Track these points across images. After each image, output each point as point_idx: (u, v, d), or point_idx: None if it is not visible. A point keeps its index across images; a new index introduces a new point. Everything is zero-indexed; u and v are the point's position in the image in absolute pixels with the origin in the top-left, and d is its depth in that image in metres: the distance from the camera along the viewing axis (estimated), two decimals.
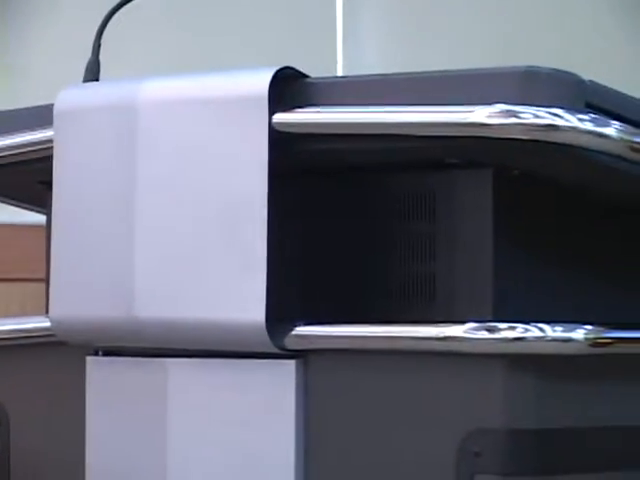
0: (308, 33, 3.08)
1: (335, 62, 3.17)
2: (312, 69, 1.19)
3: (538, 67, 1.06)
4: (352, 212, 1.20)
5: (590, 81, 1.07)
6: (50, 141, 1.29)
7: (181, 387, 1.24)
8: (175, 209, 1.19)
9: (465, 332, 1.05)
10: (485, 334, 1.05)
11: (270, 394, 1.18)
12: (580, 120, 1.01)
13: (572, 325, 1.06)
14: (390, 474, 1.13)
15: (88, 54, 1.48)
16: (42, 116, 1.32)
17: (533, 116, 1.01)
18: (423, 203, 1.14)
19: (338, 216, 1.21)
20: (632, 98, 1.12)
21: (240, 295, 1.14)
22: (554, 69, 1.06)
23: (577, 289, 1.19)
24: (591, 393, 1.13)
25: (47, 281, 1.33)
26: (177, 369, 1.24)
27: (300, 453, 1.17)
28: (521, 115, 1.01)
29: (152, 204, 1.20)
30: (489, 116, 1.02)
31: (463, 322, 1.06)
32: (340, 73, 3.11)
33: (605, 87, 1.09)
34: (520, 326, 1.04)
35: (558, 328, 1.05)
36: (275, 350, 1.15)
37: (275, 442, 1.18)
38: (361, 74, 1.30)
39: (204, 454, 1.23)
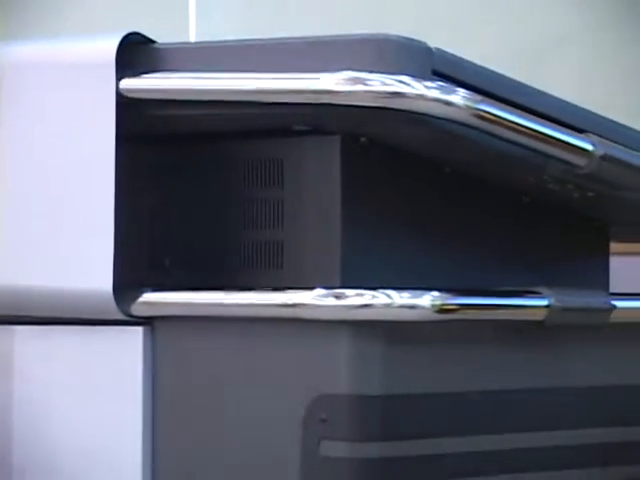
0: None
1: (187, 29, 3.19)
2: (164, 36, 1.19)
3: (386, 34, 1.06)
4: (202, 178, 1.20)
5: (437, 49, 1.08)
6: None
7: (28, 355, 1.23)
8: (22, 174, 1.18)
9: (313, 299, 1.06)
10: (333, 301, 1.05)
11: (118, 361, 1.18)
12: (427, 87, 1.02)
13: (419, 292, 1.07)
14: (238, 439, 1.13)
15: None
16: None
17: (380, 83, 1.02)
18: (271, 170, 1.14)
19: (189, 182, 1.20)
20: (479, 66, 1.13)
21: (87, 261, 1.13)
22: (402, 37, 1.06)
23: (428, 256, 1.21)
24: (440, 359, 1.14)
25: None
26: (24, 336, 1.23)
27: (147, 419, 1.17)
28: (368, 82, 1.02)
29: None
30: (336, 83, 1.02)
31: (311, 289, 1.07)
32: (193, 40, 3.14)
33: (452, 55, 1.10)
34: (367, 293, 1.05)
35: (405, 294, 1.06)
36: (122, 317, 1.15)
37: (122, 409, 1.18)
38: (210, 40, 1.30)
39: (51, 423, 1.23)
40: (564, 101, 1.25)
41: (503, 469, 1.21)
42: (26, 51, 1.23)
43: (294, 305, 1.07)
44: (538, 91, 1.21)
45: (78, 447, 1.21)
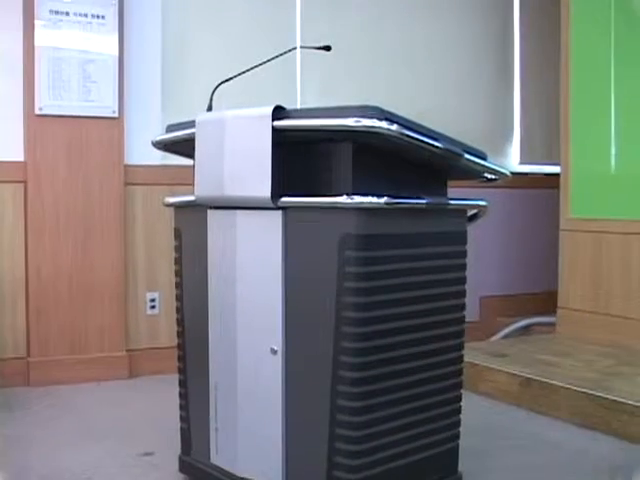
0: None
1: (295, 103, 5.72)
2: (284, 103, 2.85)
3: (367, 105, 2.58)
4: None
5: (385, 110, 2.56)
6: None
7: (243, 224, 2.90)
8: None
9: (343, 199, 2.59)
10: (348, 199, 2.58)
11: (270, 227, 2.79)
12: (384, 123, 2.53)
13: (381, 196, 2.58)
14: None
15: None
16: (192, 124, 3.04)
17: (368, 122, 2.52)
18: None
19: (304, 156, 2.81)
20: (400, 116, 2.61)
21: (258, 180, 2.71)
22: (375, 106, 2.58)
23: (389, 185, 2.72)
24: (390, 226, 2.71)
25: None
26: (240, 216, 2.89)
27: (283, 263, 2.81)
28: (363, 122, 2.53)
29: None
30: (355, 122, 2.51)
31: (341, 195, 2.58)
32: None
33: (389, 111, 2.58)
34: (358, 197, 2.57)
35: (374, 198, 2.58)
36: (273, 206, 2.70)
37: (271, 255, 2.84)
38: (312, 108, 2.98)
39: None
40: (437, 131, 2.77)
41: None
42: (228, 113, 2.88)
43: (336, 202, 2.61)
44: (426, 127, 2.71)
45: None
